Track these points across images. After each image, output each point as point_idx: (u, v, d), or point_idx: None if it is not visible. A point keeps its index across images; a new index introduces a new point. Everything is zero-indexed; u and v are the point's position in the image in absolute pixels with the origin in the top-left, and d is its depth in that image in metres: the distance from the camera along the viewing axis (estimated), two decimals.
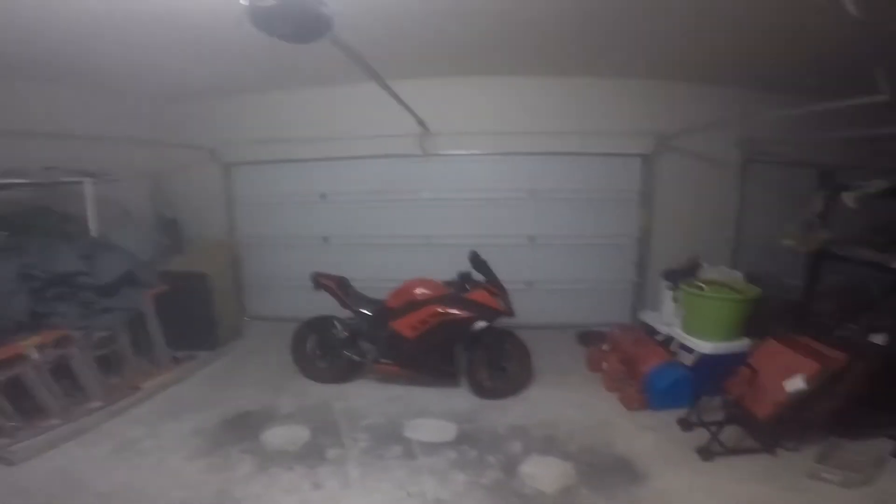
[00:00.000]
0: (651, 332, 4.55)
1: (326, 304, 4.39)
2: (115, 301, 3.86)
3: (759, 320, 3.86)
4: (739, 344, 3.80)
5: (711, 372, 3.58)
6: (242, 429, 3.50)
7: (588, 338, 5.19)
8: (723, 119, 4.93)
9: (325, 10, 1.87)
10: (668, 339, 4.23)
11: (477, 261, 4.04)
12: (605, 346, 4.54)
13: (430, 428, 3.55)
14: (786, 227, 4.08)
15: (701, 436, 3.25)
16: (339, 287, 4.30)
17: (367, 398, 4.00)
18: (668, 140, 5.38)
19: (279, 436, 3.41)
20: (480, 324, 3.92)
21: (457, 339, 4.09)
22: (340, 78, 5.00)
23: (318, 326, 4.31)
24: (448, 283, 4.16)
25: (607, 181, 5.55)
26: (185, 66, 4.52)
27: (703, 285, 3.95)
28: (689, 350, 3.89)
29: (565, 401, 3.96)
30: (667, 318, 4.40)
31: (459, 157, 5.57)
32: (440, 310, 3.92)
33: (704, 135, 5.18)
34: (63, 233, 3.90)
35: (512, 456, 3.20)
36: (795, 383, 2.99)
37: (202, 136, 5.77)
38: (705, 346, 3.78)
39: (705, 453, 3.13)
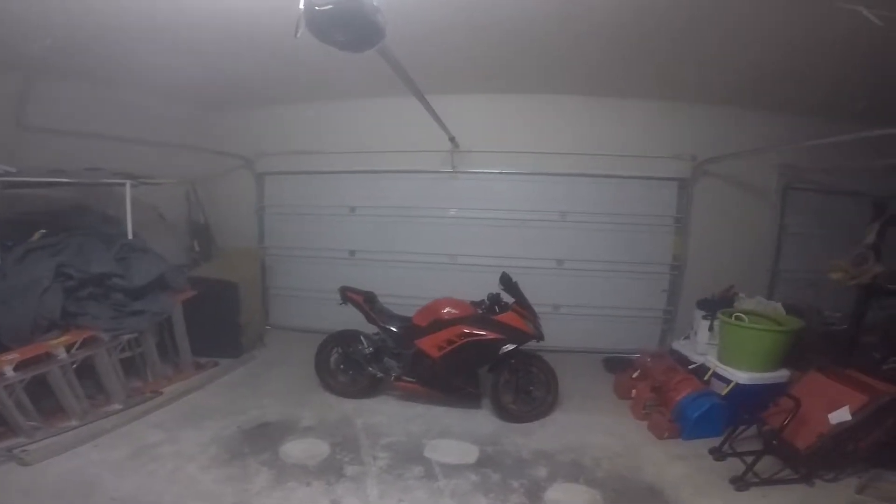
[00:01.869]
0: (683, 360, 4.42)
1: (349, 318, 4.37)
2: (146, 304, 3.90)
3: (799, 352, 3.79)
4: (777, 374, 3.72)
5: (746, 402, 3.53)
6: (261, 440, 3.44)
7: (615, 364, 5.06)
8: (763, 144, 4.80)
9: (380, 19, 1.87)
10: (701, 368, 4.10)
11: (508, 282, 3.99)
12: (635, 374, 4.41)
13: (451, 449, 3.45)
14: (832, 259, 3.92)
15: (734, 466, 3.15)
16: (366, 302, 4.27)
17: (389, 415, 3.91)
18: (707, 165, 5.26)
19: (298, 449, 3.34)
20: (508, 346, 3.84)
21: (483, 360, 4.01)
22: (374, 91, 5.07)
23: (343, 340, 4.27)
24: (476, 304, 4.11)
25: (642, 205, 5.44)
26: (235, 72, 4.65)
27: (743, 316, 3.85)
28: (724, 379, 3.79)
29: (592, 426, 3.84)
30: (700, 347, 4.32)
31: (489, 175, 5.55)
32: (467, 330, 3.86)
33: (744, 160, 5.05)
34: (101, 234, 3.96)
35: (537, 481, 3.08)
36: (841, 415, 2.96)
37: (238, 145, 5.91)
38: (741, 376, 3.69)
39: (739, 483, 3.02)
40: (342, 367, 4.26)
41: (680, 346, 4.66)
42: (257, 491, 2.85)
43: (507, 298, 4.03)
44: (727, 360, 3.86)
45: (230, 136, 5.95)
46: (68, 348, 3.37)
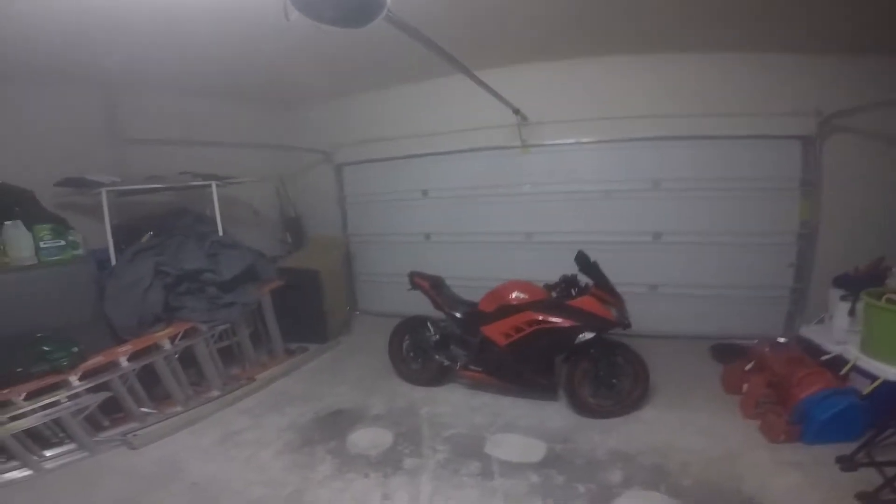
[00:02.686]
0: (813, 350, 3.65)
1: (428, 303, 4.31)
2: (237, 296, 4.23)
3: None
4: None
5: (894, 403, 2.82)
6: (332, 427, 3.57)
7: (726, 353, 4.37)
8: None
9: None
10: (838, 360, 3.38)
11: (584, 262, 3.58)
12: (748, 365, 3.75)
13: (514, 445, 3.24)
14: None
15: (867, 478, 2.57)
16: (433, 287, 4.18)
17: (454, 405, 3.82)
18: (836, 119, 4.24)
19: (364, 438, 3.41)
20: (585, 335, 3.44)
21: (556, 350, 3.69)
22: (435, 71, 4.87)
23: (413, 327, 4.26)
24: (550, 287, 3.78)
25: (756, 168, 4.57)
26: (301, 73, 4.81)
27: None
28: (868, 375, 3.10)
29: (687, 425, 3.35)
30: (838, 334, 3.50)
31: (565, 146, 5.06)
32: (537, 317, 3.56)
33: (885, 111, 3.96)
34: (196, 233, 4.39)
35: (607, 487, 2.75)
36: None
37: (316, 139, 6.16)
38: (892, 372, 2.95)
39: (871, 500, 2.44)
40: (412, 354, 4.25)
41: (811, 332, 3.85)
42: (319, 480, 2.94)
43: (587, 281, 3.63)
44: (874, 351, 3.11)
45: (307, 132, 6.21)
46: (171, 339, 3.79)
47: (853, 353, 3.26)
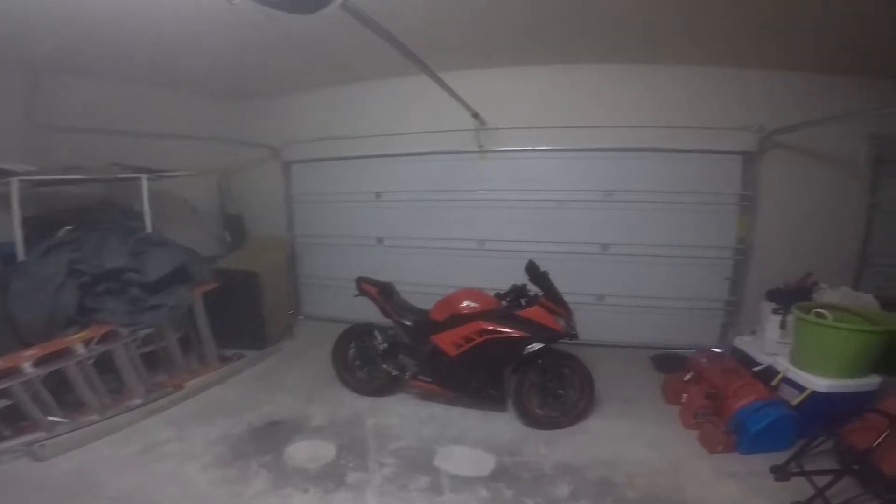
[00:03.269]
0: (747, 361, 3.82)
1: (376, 309, 4.14)
2: (164, 298, 3.87)
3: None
4: (865, 382, 3.10)
5: (822, 413, 2.98)
6: (268, 439, 3.33)
7: (666, 362, 4.51)
8: (848, 111, 3.99)
9: None
10: (768, 371, 3.52)
11: (534, 272, 3.57)
12: (687, 376, 3.85)
13: (464, 458, 3.16)
14: None
15: (799, 487, 2.64)
16: (381, 294, 4.02)
17: (403, 416, 3.68)
18: (777, 136, 4.47)
19: (303, 451, 3.20)
20: (534, 346, 3.41)
21: (505, 360, 3.64)
22: (392, 71, 4.79)
23: (359, 335, 4.07)
24: (501, 296, 3.72)
25: (700, 182, 4.75)
26: (253, 62, 4.56)
27: (826, 311, 3.20)
28: (797, 386, 3.23)
29: (631, 436, 3.40)
30: (769, 346, 3.70)
31: (520, 153, 5.08)
32: (487, 326, 3.49)
33: (823, 130, 4.20)
34: (121, 228, 4.00)
35: (555, 501, 2.72)
36: None
37: (264, 135, 5.84)
38: (819, 383, 3.10)
39: None
40: (358, 362, 4.06)
41: (744, 343, 4.03)
42: (251, 495, 2.72)
43: (536, 291, 3.60)
44: (803, 363, 3.25)
45: (255, 127, 5.90)
46: (87, 344, 3.40)
47: (783, 364, 3.39)
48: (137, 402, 3.62)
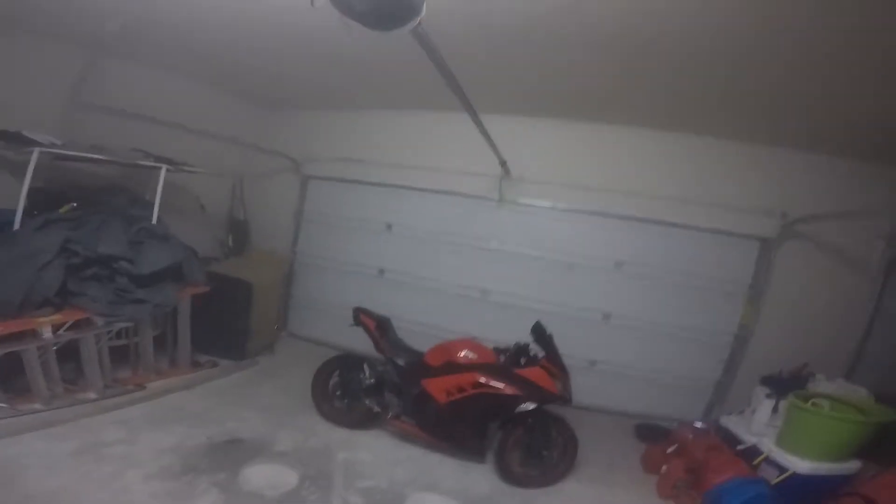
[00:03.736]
0: (730, 439, 3.77)
1: (367, 339, 3.97)
2: (151, 293, 3.69)
3: (878, 442, 3.21)
4: (845, 466, 3.20)
5: (800, 494, 3.12)
6: (225, 457, 3.09)
7: (648, 432, 4.43)
8: (871, 207, 4.00)
9: None
10: (752, 451, 3.52)
11: (540, 333, 3.49)
12: (670, 448, 3.78)
13: None
14: None
15: None
16: (378, 328, 3.88)
17: (376, 454, 3.47)
18: (798, 224, 4.44)
19: (262, 475, 2.96)
20: (527, 406, 3.31)
21: (495, 416, 3.51)
22: (425, 103, 4.83)
23: (346, 365, 3.89)
24: (500, 351, 3.61)
25: (712, 264, 4.70)
26: (295, 73, 4.58)
27: (822, 402, 3.28)
28: (778, 466, 3.27)
29: (605, 502, 3.34)
30: (756, 427, 3.65)
31: (539, 209, 5.04)
32: (482, 380, 3.37)
33: (844, 223, 4.21)
34: (126, 215, 3.88)
35: None
36: None
37: (289, 145, 5.81)
38: (801, 465, 3.16)
39: None
40: (339, 393, 3.84)
41: (730, 422, 3.94)
42: None
43: (537, 352, 3.51)
44: (789, 446, 3.31)
45: (281, 136, 5.89)
46: (56, 328, 3.19)
47: (768, 445, 3.41)
48: (91, 396, 3.39)
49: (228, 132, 5.21)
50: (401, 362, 3.71)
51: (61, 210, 3.63)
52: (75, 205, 3.75)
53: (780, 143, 4.39)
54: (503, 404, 3.34)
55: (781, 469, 3.22)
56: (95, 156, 3.79)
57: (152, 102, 4.55)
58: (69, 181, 4.07)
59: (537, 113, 4.78)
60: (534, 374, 3.35)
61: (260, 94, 5.61)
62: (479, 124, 3.47)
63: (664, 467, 3.61)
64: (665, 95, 3.82)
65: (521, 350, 3.51)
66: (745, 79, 3.20)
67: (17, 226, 3.35)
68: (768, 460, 3.34)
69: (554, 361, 3.41)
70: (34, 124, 3.60)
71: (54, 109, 4.03)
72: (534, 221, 5.07)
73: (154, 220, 4.08)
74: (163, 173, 4.16)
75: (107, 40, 3.87)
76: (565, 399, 3.38)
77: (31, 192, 3.45)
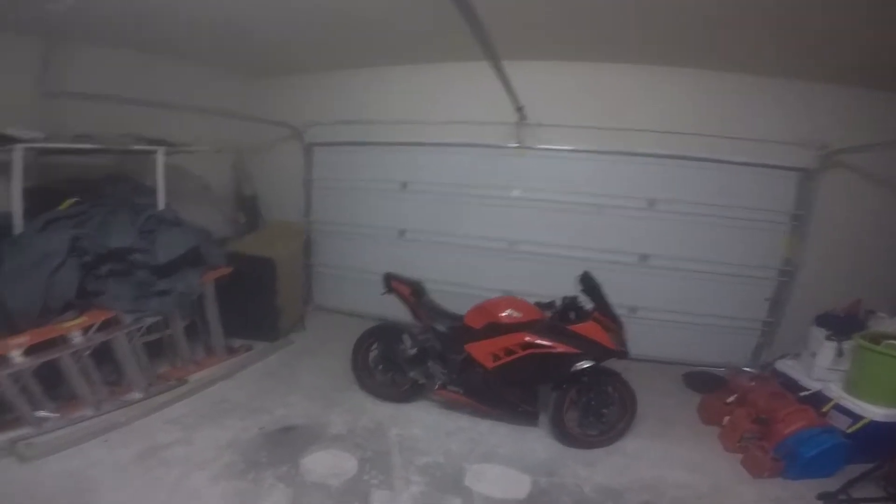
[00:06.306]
0: (790, 384, 3.65)
1: (396, 304, 3.85)
2: (173, 283, 3.54)
3: None
4: None
5: (877, 442, 2.96)
6: (283, 447, 3.02)
7: (699, 381, 4.30)
8: None
9: None
10: (817, 397, 3.41)
11: (590, 283, 3.28)
12: (729, 398, 3.64)
13: (497, 478, 2.90)
14: None
15: None
16: (413, 294, 3.70)
17: (428, 427, 3.39)
18: (839, 155, 4.17)
19: (322, 463, 2.90)
20: (583, 363, 3.14)
21: (548, 377, 3.34)
22: (429, 55, 4.56)
23: (385, 336, 3.75)
24: (543, 307, 3.43)
25: (751, 197, 4.43)
26: (279, 37, 4.19)
27: None
28: (850, 414, 3.15)
29: (671, 458, 3.20)
30: (818, 371, 3.52)
31: (563, 153, 4.73)
32: (533, 339, 3.20)
33: (885, 153, 3.95)
34: (131, 204, 3.66)
35: None
36: None
37: (287, 113, 5.47)
38: (878, 413, 3.04)
39: None
40: (381, 366, 3.74)
41: (787, 367, 3.84)
42: None
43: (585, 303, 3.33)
44: (861, 392, 3.17)
45: (278, 105, 5.54)
46: (85, 331, 3.07)
47: (836, 391, 3.29)
48: (137, 396, 3.32)
49: (218, 106, 4.84)
50: (442, 328, 3.56)
51: (61, 206, 3.41)
52: (75, 200, 3.52)
53: (813, 77, 4.10)
54: (557, 364, 3.18)
55: (855, 417, 3.09)
56: (83, 146, 3.51)
57: (135, 84, 4.19)
58: (64, 176, 3.85)
59: (550, 56, 4.42)
60: (588, 329, 3.16)
61: (246, 64, 5.22)
62: (498, 68, 3.13)
63: (726, 419, 3.47)
64: (688, 32, 3.52)
65: (570, 304, 3.31)
66: (778, 12, 2.92)
67: (18, 229, 3.15)
68: (838, 407, 3.22)
69: (606, 313, 3.21)
70: (9, 122, 3.31)
71: (25, 103, 3.72)
72: (557, 166, 4.78)
73: (161, 207, 3.85)
74: (160, 156, 3.89)
75: (57, 23, 3.49)
76: (622, 353, 3.21)
77: (28, 193, 3.23)
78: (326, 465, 2.89)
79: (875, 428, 3.01)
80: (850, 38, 3.21)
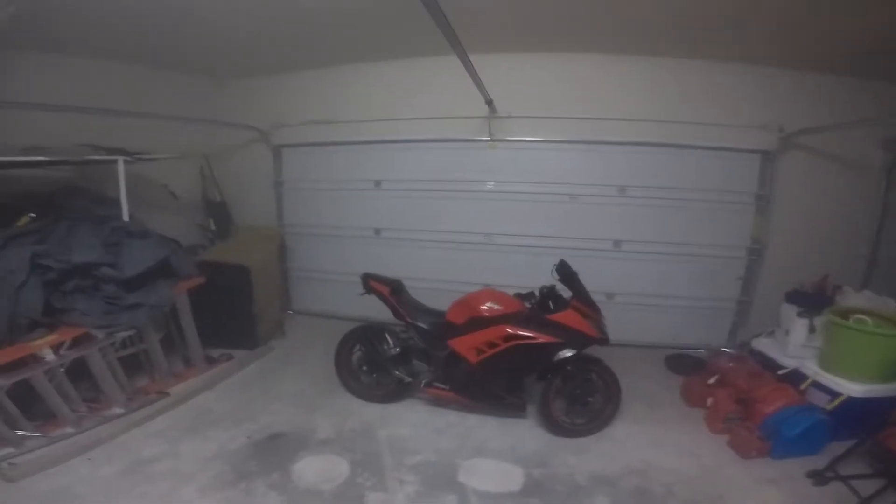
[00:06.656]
0: (767, 363, 3.72)
1: (376, 304, 3.82)
2: (143, 296, 3.43)
3: None
4: None
5: (856, 418, 3.00)
6: (272, 455, 2.98)
7: (680, 363, 4.41)
8: (865, 116, 3.96)
9: None
10: (794, 375, 3.45)
11: (566, 272, 3.32)
12: (711, 379, 3.71)
13: (490, 472, 2.93)
14: None
15: (838, 492, 2.70)
16: (393, 293, 3.68)
17: (416, 426, 3.39)
18: (797, 137, 4.34)
19: (313, 468, 2.88)
20: (565, 352, 3.17)
21: (532, 368, 3.38)
22: (398, 52, 4.51)
23: (367, 337, 3.72)
24: (523, 298, 3.46)
25: (716, 180, 4.57)
26: (242, 39, 4.12)
27: (867, 318, 3.14)
28: (828, 391, 3.19)
29: (659, 443, 3.26)
30: (793, 349, 3.59)
31: (534, 144, 4.78)
32: (513, 331, 3.21)
33: (841, 133, 4.19)
34: (93, 217, 3.52)
35: None
36: None
37: (253, 116, 5.35)
38: (854, 389, 3.08)
39: None
40: (365, 368, 3.72)
41: (763, 345, 3.93)
42: None
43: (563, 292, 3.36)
44: (836, 368, 3.21)
45: (244, 108, 5.41)
46: (56, 349, 2.95)
47: (811, 368, 3.34)
48: (118, 411, 3.23)
49: (180, 111, 4.72)
50: (423, 325, 3.56)
51: (18, 224, 3.26)
52: (34, 215, 3.37)
53: (771, 63, 4.26)
54: (540, 354, 3.20)
55: (832, 394, 3.13)
56: (34, 158, 3.31)
57: (92, 92, 4.06)
58: (19, 191, 3.65)
59: (518, 48, 4.45)
60: (567, 317, 3.19)
61: (209, 66, 5.08)
62: (466, 63, 3.13)
63: (709, 400, 3.52)
64: (652, 21, 3.59)
65: (548, 294, 3.34)
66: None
67: None
68: (815, 384, 3.27)
69: (584, 300, 3.26)
70: None
71: None
72: (528, 157, 4.83)
73: (126, 218, 3.71)
74: (121, 165, 3.73)
75: (7, 30, 3.27)
76: (603, 340, 3.25)
77: None
78: (318, 470, 2.87)
79: (853, 404, 3.05)
80: (807, 25, 3.33)
